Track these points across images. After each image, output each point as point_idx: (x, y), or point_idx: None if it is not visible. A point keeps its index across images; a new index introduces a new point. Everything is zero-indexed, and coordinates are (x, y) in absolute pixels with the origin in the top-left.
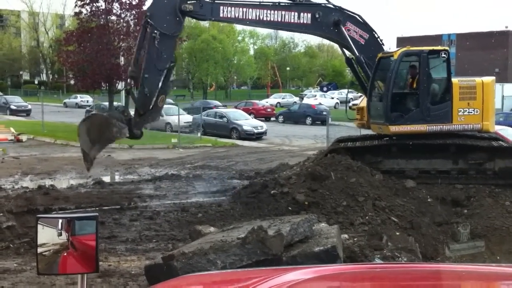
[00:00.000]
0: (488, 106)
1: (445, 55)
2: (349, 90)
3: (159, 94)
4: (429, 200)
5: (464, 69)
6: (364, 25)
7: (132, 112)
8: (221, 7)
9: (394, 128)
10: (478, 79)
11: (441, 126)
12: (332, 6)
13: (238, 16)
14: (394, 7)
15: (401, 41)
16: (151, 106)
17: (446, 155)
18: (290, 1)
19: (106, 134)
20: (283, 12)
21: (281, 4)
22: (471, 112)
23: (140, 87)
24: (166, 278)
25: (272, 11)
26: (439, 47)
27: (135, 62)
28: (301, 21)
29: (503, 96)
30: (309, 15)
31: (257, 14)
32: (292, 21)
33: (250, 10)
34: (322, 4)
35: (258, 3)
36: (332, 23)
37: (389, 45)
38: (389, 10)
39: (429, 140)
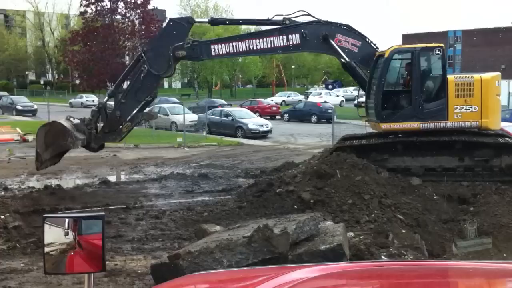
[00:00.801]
0: (487, 103)
1: (439, 52)
2: (357, 88)
3: (126, 121)
4: (435, 197)
5: (470, 66)
6: (354, 34)
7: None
8: (212, 46)
9: (385, 126)
10: (476, 76)
11: (436, 124)
12: (318, 23)
13: (229, 51)
14: (399, 3)
15: (406, 38)
16: (116, 129)
17: (452, 152)
18: (277, 26)
19: (60, 142)
20: (272, 38)
21: (268, 31)
22: (469, 109)
23: (114, 109)
24: (172, 277)
25: (261, 40)
26: (433, 44)
27: (118, 85)
28: (291, 43)
29: (509, 93)
30: (297, 35)
31: (247, 45)
32: (282, 44)
33: (240, 43)
34: (308, 22)
35: (246, 35)
36: (320, 38)
37: (396, 42)
38: (394, 7)
39: (434, 137)
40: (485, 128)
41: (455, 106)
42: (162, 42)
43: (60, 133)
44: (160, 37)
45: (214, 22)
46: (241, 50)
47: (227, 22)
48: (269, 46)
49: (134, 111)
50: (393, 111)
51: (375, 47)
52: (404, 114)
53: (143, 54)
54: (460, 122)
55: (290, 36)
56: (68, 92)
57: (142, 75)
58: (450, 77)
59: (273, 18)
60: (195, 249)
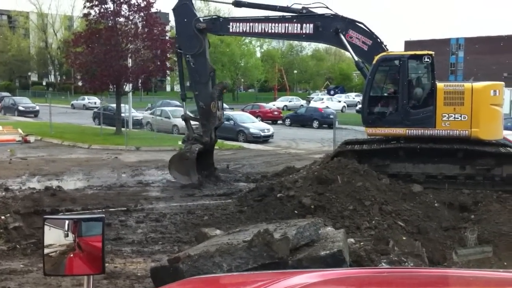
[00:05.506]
0: (478, 112)
1: (428, 60)
2: (359, 94)
3: (209, 102)
4: (436, 205)
5: (472, 73)
6: (367, 32)
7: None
8: (231, 23)
9: (370, 130)
10: (467, 84)
11: (422, 131)
12: (333, 16)
13: (246, 30)
14: (403, 10)
15: (409, 45)
16: (210, 115)
17: (454, 160)
18: (294, 14)
19: (186, 162)
20: (287, 24)
21: (285, 17)
22: (458, 118)
23: (196, 104)
24: (172, 281)
25: (276, 24)
26: (422, 52)
27: (182, 86)
28: (304, 32)
29: (511, 101)
30: (311, 25)
31: (263, 27)
32: (296, 32)
33: (256, 24)
34: (324, 14)
35: (263, 17)
36: (333, 31)
37: (399, 49)
38: (398, 13)
39: (436, 145)
40: (475, 138)
41: (443, 114)
42: (181, 27)
43: (180, 158)
44: (178, 26)
45: (237, 4)
46: (256, 31)
47: (250, 6)
48: (283, 31)
49: (209, 91)
50: (379, 117)
51: (385, 48)
52: (390, 119)
53: (179, 50)
54: (448, 131)
55: (304, 25)
56: (71, 94)
57: (191, 63)
58: (440, 84)
59: (292, 6)
60: (195, 252)
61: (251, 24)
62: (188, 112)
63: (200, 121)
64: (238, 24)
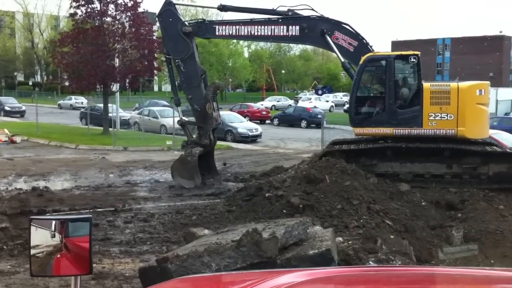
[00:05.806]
0: (464, 111)
1: (414, 60)
2: (346, 94)
3: (204, 104)
4: (423, 203)
5: (457, 73)
6: (352, 33)
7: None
8: (217, 27)
9: (358, 130)
10: (453, 84)
11: (409, 130)
12: (318, 18)
13: (232, 33)
14: (390, 10)
15: (396, 45)
16: (206, 117)
17: (440, 159)
18: (280, 16)
19: (188, 166)
20: (273, 27)
21: (271, 19)
22: (444, 117)
23: (191, 107)
24: (160, 281)
25: (263, 26)
26: (408, 52)
27: (174, 91)
28: (290, 34)
29: (497, 101)
30: (297, 27)
31: (249, 30)
32: (282, 34)
33: (243, 27)
34: (309, 16)
35: (249, 20)
36: (319, 33)
37: (385, 50)
38: (385, 14)
39: (423, 144)
40: (461, 137)
41: (429, 114)
42: (168, 32)
43: (181, 163)
44: (164, 32)
45: (224, 8)
46: (243, 34)
47: (235, 9)
48: (269, 33)
49: (203, 93)
50: (366, 117)
51: (371, 49)
52: (377, 119)
53: (166, 55)
54: (435, 130)
55: (290, 27)
56: (57, 94)
57: (181, 68)
58: (426, 84)
59: (278, 9)
60: (183, 252)
61: (237, 27)
62: (183, 117)
63: (197, 124)
64: (224, 27)
